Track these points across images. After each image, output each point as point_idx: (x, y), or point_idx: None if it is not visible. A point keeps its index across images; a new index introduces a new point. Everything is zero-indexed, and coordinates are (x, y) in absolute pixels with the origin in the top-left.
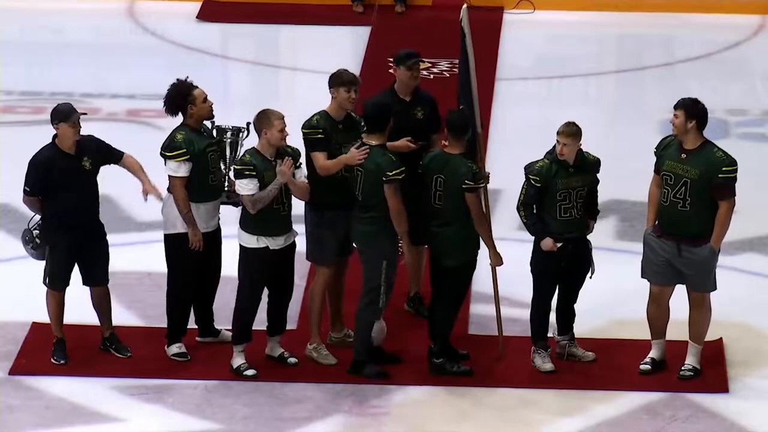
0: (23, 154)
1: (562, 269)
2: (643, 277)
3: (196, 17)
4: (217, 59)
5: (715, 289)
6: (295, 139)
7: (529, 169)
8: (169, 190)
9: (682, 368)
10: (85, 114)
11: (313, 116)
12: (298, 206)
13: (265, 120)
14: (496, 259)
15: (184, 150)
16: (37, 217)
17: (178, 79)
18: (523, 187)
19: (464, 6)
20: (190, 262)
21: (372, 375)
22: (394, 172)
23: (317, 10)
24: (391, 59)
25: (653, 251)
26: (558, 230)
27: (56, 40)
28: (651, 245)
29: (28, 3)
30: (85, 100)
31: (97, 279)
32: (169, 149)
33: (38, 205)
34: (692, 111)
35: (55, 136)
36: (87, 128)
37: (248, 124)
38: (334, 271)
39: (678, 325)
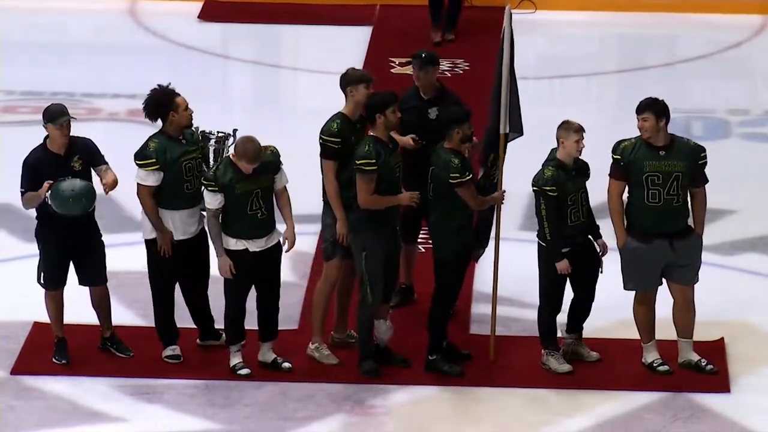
0: (25, 154)
1: (570, 273)
2: (628, 288)
3: (198, 17)
4: (218, 59)
5: (698, 280)
6: (301, 139)
7: (541, 181)
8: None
9: (703, 365)
10: (75, 119)
11: (332, 121)
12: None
13: (239, 153)
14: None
15: (154, 160)
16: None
17: (159, 85)
18: (539, 202)
19: (507, 6)
20: (168, 267)
21: (364, 371)
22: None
23: (319, 9)
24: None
25: (643, 259)
26: (569, 235)
27: (58, 39)
28: (639, 254)
29: (29, 2)
30: (86, 99)
31: (93, 279)
32: (139, 158)
33: (31, 195)
34: (660, 111)
35: (46, 137)
36: (89, 128)
37: (235, 130)
38: (343, 271)
39: (669, 325)
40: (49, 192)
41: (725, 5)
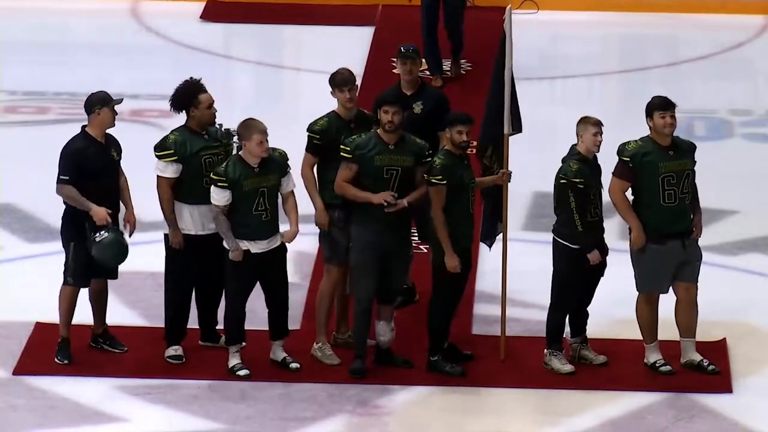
0: (27, 154)
1: (584, 274)
2: (644, 291)
3: (200, 17)
4: (220, 59)
5: None
6: (302, 140)
7: (570, 173)
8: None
9: (705, 365)
10: (122, 100)
11: (320, 119)
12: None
13: (246, 132)
14: (450, 262)
15: (173, 151)
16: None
17: (191, 78)
18: (567, 195)
19: (508, 6)
20: (187, 263)
21: (350, 370)
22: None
23: (321, 10)
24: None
25: (659, 261)
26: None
27: (60, 39)
28: (656, 256)
29: (32, 2)
30: None
31: (112, 273)
32: (158, 148)
33: (75, 193)
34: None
35: (84, 127)
36: None
37: None
38: (345, 272)
39: (671, 326)
40: (97, 241)
41: (727, 5)
